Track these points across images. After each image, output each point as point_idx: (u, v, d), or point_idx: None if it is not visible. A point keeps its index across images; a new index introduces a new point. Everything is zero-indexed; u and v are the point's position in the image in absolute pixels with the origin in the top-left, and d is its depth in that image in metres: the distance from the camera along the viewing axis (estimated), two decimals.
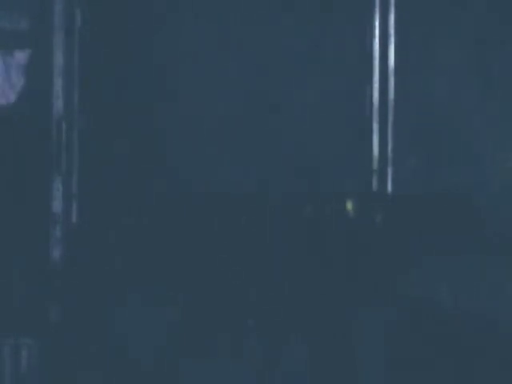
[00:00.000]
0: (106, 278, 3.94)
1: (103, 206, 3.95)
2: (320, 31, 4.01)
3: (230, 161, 3.99)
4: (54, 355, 3.90)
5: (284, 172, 3.99)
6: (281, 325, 3.96)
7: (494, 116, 4.01)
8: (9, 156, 3.90)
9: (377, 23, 4.02)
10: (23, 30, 3.94)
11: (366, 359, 3.95)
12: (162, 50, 3.99)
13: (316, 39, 4.01)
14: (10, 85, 3.94)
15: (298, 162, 3.99)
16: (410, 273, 3.96)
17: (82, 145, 3.96)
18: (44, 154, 3.90)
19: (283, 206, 3.97)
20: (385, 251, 3.96)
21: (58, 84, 3.93)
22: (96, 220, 3.94)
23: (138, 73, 3.97)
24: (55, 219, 3.90)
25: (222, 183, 3.98)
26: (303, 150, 4.00)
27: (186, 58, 4.00)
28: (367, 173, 4.01)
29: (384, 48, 4.02)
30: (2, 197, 3.89)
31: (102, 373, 3.93)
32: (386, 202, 3.98)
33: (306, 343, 3.96)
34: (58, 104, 3.93)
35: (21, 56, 3.94)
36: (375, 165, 4.01)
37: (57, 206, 3.91)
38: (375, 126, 4.02)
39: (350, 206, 3.97)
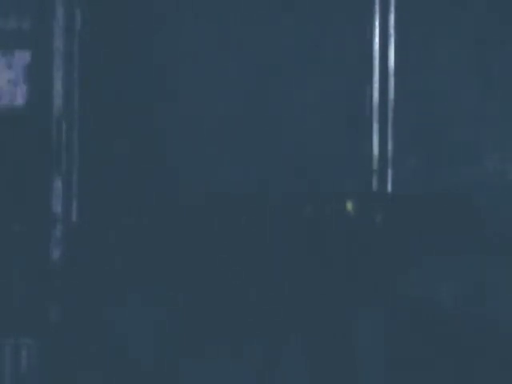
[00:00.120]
0: (105, 278, 3.94)
1: (103, 205, 3.95)
2: (320, 31, 4.02)
3: (230, 161, 3.99)
4: (54, 355, 3.91)
5: (284, 172, 3.99)
6: (281, 325, 3.96)
7: (494, 116, 4.01)
8: (9, 156, 3.91)
9: (377, 23, 4.02)
10: (23, 31, 3.94)
11: (366, 359, 3.95)
12: (161, 49, 3.99)
13: (316, 39, 4.01)
14: (10, 85, 3.94)
15: (298, 162, 3.99)
16: (409, 273, 3.96)
17: (81, 145, 3.96)
18: (44, 154, 3.90)
19: (283, 205, 3.97)
20: (385, 251, 3.96)
21: (58, 84, 3.93)
22: (96, 220, 3.95)
23: (137, 73, 3.98)
24: (55, 219, 3.90)
25: (222, 183, 3.98)
26: (303, 149, 4.00)
27: (186, 57, 4.00)
28: (367, 173, 4.01)
29: (384, 48, 4.02)
30: (2, 197, 3.90)
31: (102, 373, 3.93)
32: (385, 201, 3.98)
33: (306, 343, 3.96)
34: (58, 104, 3.93)
35: (21, 56, 3.95)
36: (375, 165, 4.01)
37: (57, 206, 3.92)
38: (375, 126, 4.02)
39: (350, 206, 3.97)
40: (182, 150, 3.98)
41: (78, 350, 3.91)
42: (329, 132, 4.01)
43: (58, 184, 3.91)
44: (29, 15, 3.94)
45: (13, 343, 3.89)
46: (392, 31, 4.02)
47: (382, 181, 4.01)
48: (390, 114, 4.02)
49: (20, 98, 3.93)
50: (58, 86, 3.93)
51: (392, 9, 4.02)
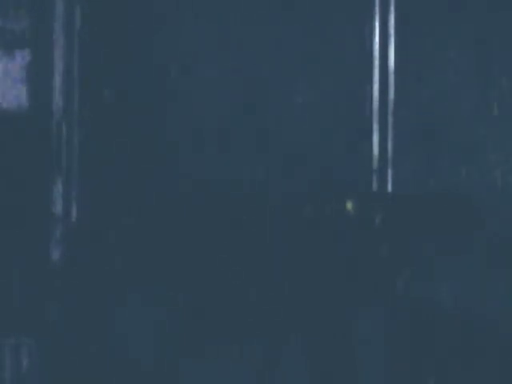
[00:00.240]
0: (105, 277, 3.94)
1: (103, 205, 3.95)
2: (320, 31, 4.01)
3: (230, 161, 3.99)
4: (54, 355, 3.91)
5: (284, 172, 3.99)
6: (281, 325, 3.96)
7: (494, 116, 4.01)
8: (9, 156, 3.90)
9: (377, 23, 4.02)
10: (23, 30, 3.94)
11: (366, 359, 3.95)
12: (161, 49, 3.99)
13: (316, 39, 4.01)
14: (10, 85, 3.94)
15: (297, 162, 3.99)
16: (409, 273, 3.96)
17: (81, 145, 3.96)
18: (44, 154, 3.90)
19: (283, 205, 3.97)
20: (385, 251, 3.96)
21: (58, 84, 3.93)
22: (96, 220, 3.95)
23: (137, 73, 3.98)
24: (55, 219, 3.90)
25: (222, 183, 3.98)
26: (303, 149, 4.00)
27: (186, 57, 4.00)
28: (367, 173, 4.01)
29: (384, 48, 4.02)
30: (2, 197, 3.89)
31: (101, 373, 3.93)
32: (385, 201, 3.98)
33: (306, 343, 3.96)
34: (58, 104, 3.93)
35: (21, 56, 3.94)
36: (375, 165, 4.01)
37: (57, 206, 3.91)
38: (375, 126, 4.02)
39: (350, 206, 3.97)
40: (182, 150, 3.98)
41: (77, 349, 3.91)
42: (329, 132, 4.01)
43: (58, 184, 3.91)
44: (28, 15, 3.94)
45: (13, 343, 3.89)
46: (392, 31, 4.02)
47: (382, 181, 4.01)
48: (390, 114, 4.02)
49: (20, 97, 3.93)
50: (58, 86, 3.92)
51: (392, 9, 4.02)
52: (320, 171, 3.99)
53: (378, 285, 3.96)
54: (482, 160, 4.00)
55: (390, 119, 4.02)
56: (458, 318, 3.93)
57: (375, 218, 3.96)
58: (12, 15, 3.94)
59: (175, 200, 3.96)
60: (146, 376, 3.94)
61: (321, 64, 4.02)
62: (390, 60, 4.02)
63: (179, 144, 3.98)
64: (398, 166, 4.02)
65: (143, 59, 3.98)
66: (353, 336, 3.95)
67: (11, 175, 3.89)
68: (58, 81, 3.93)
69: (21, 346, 3.89)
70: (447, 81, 4.01)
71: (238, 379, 3.96)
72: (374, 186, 4.01)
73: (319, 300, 3.96)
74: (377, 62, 4.02)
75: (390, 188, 4.00)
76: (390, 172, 4.01)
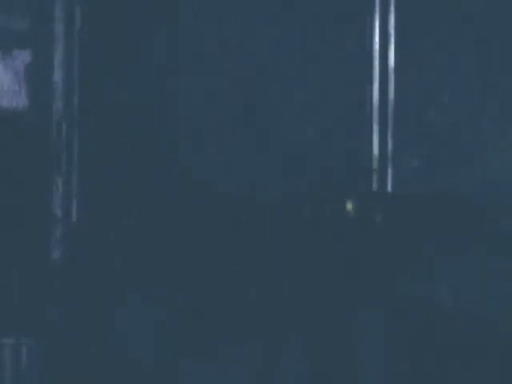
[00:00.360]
0: (105, 277, 3.94)
1: (103, 205, 3.95)
2: (320, 31, 4.01)
3: (230, 161, 3.99)
4: (54, 355, 3.91)
5: (284, 172, 3.99)
6: (281, 325, 3.96)
7: (495, 116, 4.00)
8: (9, 156, 3.91)
9: (377, 23, 4.02)
10: (23, 30, 3.94)
11: (366, 359, 3.95)
12: (161, 49, 3.99)
13: (316, 39, 4.01)
14: (10, 85, 3.94)
15: (297, 162, 3.99)
16: (409, 273, 3.96)
17: (81, 145, 3.96)
18: (44, 154, 3.90)
19: (283, 206, 3.96)
20: (385, 251, 3.96)
21: (58, 84, 3.93)
22: (96, 220, 3.95)
23: (137, 73, 3.98)
24: (55, 219, 3.90)
25: (221, 183, 3.98)
26: (303, 149, 4.00)
27: (186, 57, 4.00)
28: (367, 173, 4.01)
29: (384, 48, 4.02)
30: (2, 197, 3.89)
31: (101, 373, 3.93)
32: (385, 201, 3.98)
33: (306, 343, 3.96)
34: (58, 104, 3.93)
35: (21, 56, 3.95)
36: (375, 165, 4.01)
37: (57, 206, 3.91)
38: (375, 126, 4.02)
39: (350, 206, 3.97)
40: (182, 150, 3.98)
41: (77, 349, 3.91)
42: (328, 132, 4.01)
43: (58, 184, 3.91)
44: (28, 15, 3.94)
45: (13, 343, 3.89)
46: (392, 31, 4.02)
47: (382, 181, 4.01)
48: (390, 114, 4.02)
49: (20, 98, 3.93)
50: (58, 86, 3.93)
51: (392, 9, 4.02)
52: (320, 171, 3.99)
53: (377, 285, 3.96)
54: (482, 160, 4.00)
55: (390, 119, 4.02)
56: (457, 318, 3.93)
57: (375, 218, 3.96)
58: (12, 15, 3.94)
59: (175, 200, 3.96)
60: (146, 376, 3.94)
61: (321, 64, 4.02)
62: (390, 60, 4.02)
63: (179, 144, 3.98)
64: (398, 166, 4.02)
65: (143, 59, 3.98)
66: (353, 336, 3.94)
67: (11, 175, 3.90)
68: (58, 81, 3.93)
69: (21, 346, 3.89)
70: (447, 81, 4.01)
71: (238, 379, 3.96)
72: (374, 185, 4.01)
73: (319, 300, 3.96)
74: (377, 62, 4.02)
75: (389, 188, 4.00)
76: (389, 172, 4.01)
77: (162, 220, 3.95)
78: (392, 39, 4.02)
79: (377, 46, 4.02)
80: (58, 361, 3.90)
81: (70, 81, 3.95)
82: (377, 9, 4.02)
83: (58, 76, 3.93)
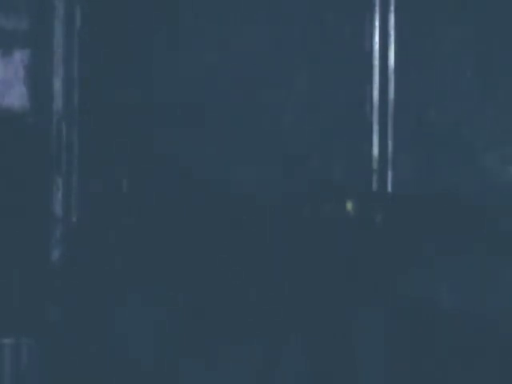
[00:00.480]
0: (105, 277, 3.94)
1: (103, 206, 3.95)
2: (320, 31, 4.01)
3: (230, 161, 3.99)
4: (54, 355, 3.91)
5: (284, 172, 3.99)
6: (281, 325, 3.97)
7: (494, 116, 4.01)
8: (9, 156, 3.91)
9: (377, 23, 4.02)
10: (23, 30, 3.94)
11: (366, 359, 3.95)
12: (162, 50, 3.99)
13: (316, 39, 4.01)
14: (10, 85, 3.94)
15: (297, 162, 3.99)
16: (409, 273, 3.96)
17: (81, 145, 3.96)
18: (44, 154, 3.90)
19: (283, 205, 3.97)
20: (385, 251, 3.96)
21: (58, 84, 3.93)
22: (96, 220, 3.95)
23: (137, 73, 3.98)
24: (55, 219, 3.90)
25: (221, 183, 3.98)
26: (303, 149, 4.00)
27: (186, 57, 4.00)
28: (367, 173, 4.01)
29: (384, 48, 4.02)
30: (1, 197, 3.89)
31: (101, 373, 3.93)
32: (386, 201, 3.98)
33: (306, 343, 3.96)
34: (58, 104, 3.93)
35: (21, 56, 3.95)
36: (375, 165, 4.01)
37: (57, 206, 3.91)
38: (375, 126, 4.02)
39: (349, 206, 3.97)
40: (182, 150, 3.98)
41: (77, 349, 3.91)
42: (328, 132, 4.01)
43: (58, 184, 3.91)
44: (28, 15, 3.94)
45: (13, 343, 3.89)
46: (392, 31, 4.02)
47: (382, 181, 4.01)
48: (390, 114, 4.02)
49: (20, 98, 3.93)
50: (57, 86, 3.93)
51: (392, 9, 4.02)
52: (320, 171, 3.99)
53: (377, 285, 3.96)
54: (481, 160, 4.00)
55: (390, 119, 4.02)
56: (458, 318, 3.93)
57: (375, 218, 3.96)
58: (12, 15, 3.94)
59: (175, 200, 3.96)
60: (146, 376, 3.95)
61: (321, 64, 4.02)
62: (390, 60, 4.02)
63: (179, 144, 3.98)
64: (398, 166, 4.02)
65: (143, 59, 3.98)
66: (353, 336, 3.95)
67: (11, 175, 3.90)
68: (57, 81, 3.93)
69: (21, 346, 3.89)
70: (447, 81, 4.01)
71: (238, 379, 3.96)
72: (374, 186, 4.01)
73: (319, 300, 3.96)
74: (377, 62, 4.02)
75: (390, 188, 4.00)
76: (389, 172, 4.01)
77: (161, 220, 3.96)
78: (392, 39, 4.02)
79: (377, 46, 4.02)
80: (57, 361, 3.91)
81: (70, 81, 3.95)
82: (377, 9, 4.02)
83: (57, 76, 3.93)
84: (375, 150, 4.01)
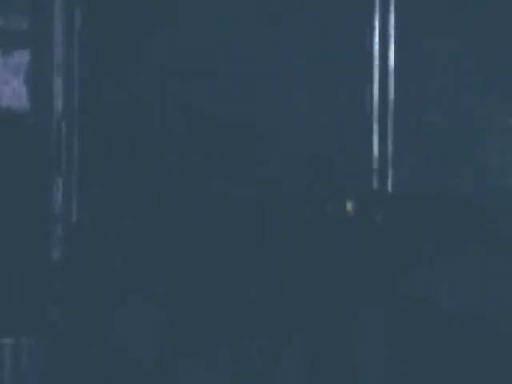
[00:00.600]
0: (105, 278, 3.94)
1: (103, 205, 3.95)
2: (320, 31, 4.01)
3: (229, 161, 3.99)
4: (54, 355, 3.91)
5: (284, 172, 3.99)
6: (281, 325, 3.96)
7: (494, 116, 4.00)
8: (9, 156, 3.90)
9: (377, 23, 4.02)
10: (23, 30, 3.94)
11: (366, 359, 3.95)
12: (161, 49, 3.99)
13: (316, 39, 4.01)
14: (10, 85, 3.94)
15: (298, 162, 3.99)
16: (409, 273, 3.96)
17: (81, 145, 3.96)
18: (44, 154, 3.90)
19: (283, 205, 3.97)
20: (385, 251, 3.96)
21: (58, 84, 3.93)
22: (96, 220, 3.95)
23: (137, 73, 3.97)
24: (55, 219, 3.90)
25: (221, 183, 3.98)
26: (303, 149, 4.00)
27: (186, 57, 4.00)
28: (367, 173, 4.01)
29: (384, 48, 4.02)
30: (2, 197, 3.89)
31: (101, 373, 3.93)
32: (386, 201, 3.98)
33: (306, 343, 3.96)
34: (58, 104, 3.93)
35: (21, 56, 3.94)
36: (375, 165, 4.01)
37: (57, 206, 3.91)
38: (375, 126, 4.02)
39: (349, 206, 3.97)
40: (182, 150, 3.98)
41: (77, 349, 3.91)
42: (329, 132, 4.01)
43: (58, 184, 3.91)
44: (28, 15, 3.94)
45: (13, 343, 3.89)
46: (392, 31, 4.02)
47: (382, 181, 4.01)
48: (390, 114, 4.02)
49: (19, 98, 3.93)
50: (57, 86, 3.92)
51: (392, 9, 4.02)
52: (320, 171, 3.99)
53: (377, 285, 3.96)
54: (481, 160, 4.00)
55: (390, 119, 4.02)
56: (458, 318, 3.93)
57: (375, 218, 3.96)
58: (12, 15, 3.94)
59: (175, 200, 3.96)
60: (146, 376, 3.94)
61: (321, 64, 4.02)
62: (390, 60, 4.02)
63: (179, 144, 3.98)
64: (398, 166, 4.02)
65: (143, 59, 3.98)
66: (353, 336, 3.95)
67: (11, 175, 3.89)
68: (57, 81, 3.93)
69: (21, 346, 3.89)
70: (447, 81, 4.01)
71: (238, 379, 3.96)
72: (374, 185, 4.01)
73: (319, 300, 3.96)
74: (377, 62, 4.02)
75: (390, 188, 4.00)
76: (390, 172, 4.01)
77: (161, 220, 3.95)
78: (392, 39, 4.02)
79: (377, 46, 4.02)
80: (58, 361, 3.90)
81: (70, 81, 3.95)
82: (377, 9, 4.02)
83: (57, 76, 3.93)
84: (375, 150, 4.01)
